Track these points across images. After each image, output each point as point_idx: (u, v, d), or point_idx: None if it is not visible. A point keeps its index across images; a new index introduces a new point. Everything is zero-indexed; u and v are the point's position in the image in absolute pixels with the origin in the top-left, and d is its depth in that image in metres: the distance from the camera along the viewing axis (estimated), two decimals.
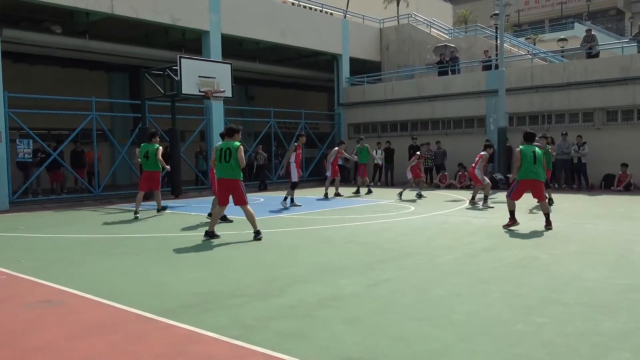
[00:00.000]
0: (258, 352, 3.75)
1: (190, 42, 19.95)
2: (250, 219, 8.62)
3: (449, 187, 18.78)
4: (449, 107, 20.94)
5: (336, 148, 16.31)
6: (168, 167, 13.01)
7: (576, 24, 48.30)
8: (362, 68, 25.93)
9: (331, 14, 25.30)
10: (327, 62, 24.68)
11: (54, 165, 16.63)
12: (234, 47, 21.07)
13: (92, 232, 9.76)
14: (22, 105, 15.80)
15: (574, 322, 4.26)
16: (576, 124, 18.03)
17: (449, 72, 21.69)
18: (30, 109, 15.23)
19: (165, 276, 6.16)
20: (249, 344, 3.89)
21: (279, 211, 12.51)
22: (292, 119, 23.53)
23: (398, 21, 27.15)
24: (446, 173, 19.61)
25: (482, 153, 13.27)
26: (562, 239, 8.10)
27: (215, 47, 18.79)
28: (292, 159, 13.54)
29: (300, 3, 23.78)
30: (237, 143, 8.52)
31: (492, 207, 12.34)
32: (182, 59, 15.05)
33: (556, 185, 17.57)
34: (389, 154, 21.03)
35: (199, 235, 9.19)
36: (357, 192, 17.02)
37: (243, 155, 8.45)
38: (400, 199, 14.83)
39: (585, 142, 16.80)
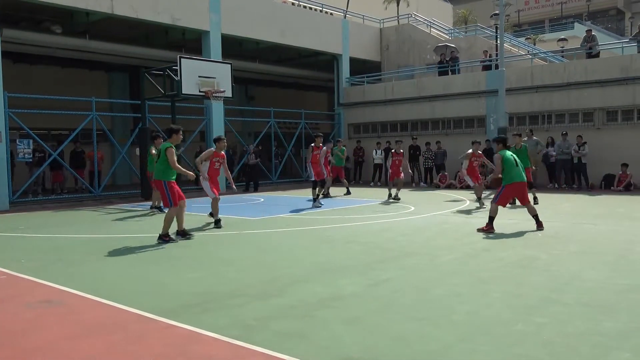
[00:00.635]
0: (258, 352, 3.75)
1: (190, 42, 19.95)
2: (166, 220, 8.39)
3: (449, 187, 18.78)
4: (449, 107, 20.94)
5: (324, 148, 16.25)
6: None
7: (576, 24, 48.30)
8: (362, 68, 25.93)
9: (331, 14, 25.30)
10: (327, 62, 24.68)
11: (55, 165, 16.64)
12: (234, 47, 21.08)
13: (92, 232, 9.76)
14: (22, 105, 15.80)
15: (574, 322, 4.25)
16: (576, 124, 18.03)
17: (449, 72, 21.68)
18: (30, 109, 15.24)
19: (165, 276, 6.16)
20: (249, 344, 3.89)
21: (312, 208, 12.67)
22: (292, 119, 23.53)
23: (398, 21, 27.15)
24: (446, 173, 19.61)
25: (468, 151, 13.23)
26: (562, 239, 8.09)
27: (215, 47, 18.79)
28: (309, 159, 13.72)
29: (300, 3, 23.78)
30: (168, 144, 8.42)
31: (484, 207, 12.08)
32: (182, 59, 15.05)
33: (556, 185, 17.59)
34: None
35: (199, 235, 9.20)
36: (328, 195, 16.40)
37: (172, 156, 8.29)
38: (395, 199, 14.57)
39: (585, 142, 16.80)
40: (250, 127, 26.58)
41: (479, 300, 4.94)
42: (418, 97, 21.78)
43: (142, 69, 17.00)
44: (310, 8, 24.64)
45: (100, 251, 7.84)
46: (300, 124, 22.92)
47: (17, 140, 15.22)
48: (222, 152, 10.30)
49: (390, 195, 14.76)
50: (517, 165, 9.10)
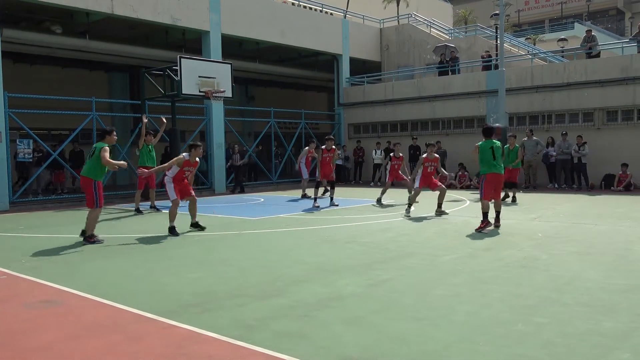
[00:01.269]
0: (258, 352, 3.75)
1: (190, 42, 19.95)
2: (89, 221, 8.49)
3: (449, 187, 18.76)
4: (449, 107, 20.94)
5: (306, 148, 16.25)
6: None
7: (576, 24, 48.33)
8: (362, 68, 25.93)
9: (331, 14, 25.30)
10: (327, 62, 24.68)
11: (56, 165, 16.65)
12: (234, 47, 21.08)
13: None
14: (22, 105, 15.80)
15: (574, 322, 4.25)
16: (576, 124, 18.03)
17: (449, 72, 21.69)
18: (30, 109, 15.23)
19: (165, 276, 6.16)
20: (249, 344, 3.89)
21: (330, 211, 12.52)
22: (292, 119, 23.53)
23: (398, 21, 27.16)
24: (446, 173, 19.58)
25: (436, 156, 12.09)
26: (562, 239, 8.09)
27: (215, 47, 18.79)
28: (319, 160, 13.74)
29: (300, 3, 23.78)
30: (103, 144, 8.47)
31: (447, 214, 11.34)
32: (182, 59, 15.04)
33: (556, 185, 17.59)
34: (389, 154, 21.01)
35: (199, 235, 9.20)
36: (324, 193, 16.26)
37: (104, 153, 8.28)
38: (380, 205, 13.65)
39: (585, 142, 16.80)
40: (250, 127, 26.59)
41: (479, 300, 4.94)
42: (418, 97, 21.78)
43: (142, 69, 16.99)
44: (310, 8, 24.65)
45: (100, 251, 7.84)
46: (300, 124, 22.92)
47: (17, 140, 15.22)
48: (197, 160, 9.59)
49: (380, 200, 13.74)
50: (494, 158, 9.13)
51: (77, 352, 3.86)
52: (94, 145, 8.66)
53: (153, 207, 12.91)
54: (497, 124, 14.84)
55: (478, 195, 13.76)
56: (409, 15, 26.88)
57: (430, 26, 26.28)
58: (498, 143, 9.44)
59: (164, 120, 13.51)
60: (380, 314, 4.57)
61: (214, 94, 15.55)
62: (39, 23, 17.43)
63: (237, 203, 15.09)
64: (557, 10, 61.81)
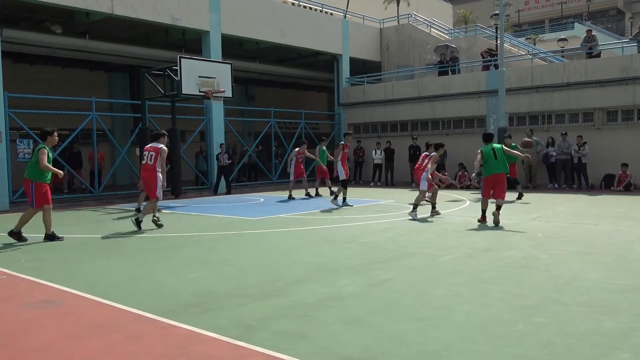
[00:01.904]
0: (258, 352, 3.75)
1: (190, 42, 19.95)
2: (23, 219, 8.61)
3: (449, 187, 18.77)
4: (449, 107, 20.94)
5: (297, 149, 16.25)
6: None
7: (576, 24, 48.32)
8: (362, 68, 25.93)
9: (331, 14, 25.31)
10: (327, 62, 24.68)
11: (57, 165, 16.64)
12: (234, 47, 21.08)
13: (92, 232, 9.75)
14: (22, 105, 15.80)
15: (574, 322, 4.25)
16: (576, 124, 18.02)
17: (449, 72, 21.69)
18: (30, 109, 15.23)
19: (165, 276, 6.16)
20: (249, 344, 3.89)
21: (330, 210, 12.46)
22: (292, 119, 23.53)
23: (398, 21, 27.16)
24: (446, 173, 19.59)
25: (432, 154, 11.62)
26: (562, 239, 8.09)
27: (215, 47, 18.80)
28: (339, 157, 13.26)
29: (300, 3, 23.78)
30: (42, 145, 8.53)
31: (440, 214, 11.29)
32: (182, 59, 15.04)
33: (556, 185, 17.59)
34: (389, 154, 21.05)
35: (199, 235, 9.20)
36: (317, 194, 16.36)
37: (43, 156, 8.36)
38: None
39: (585, 142, 16.80)
40: (250, 127, 26.59)
41: (479, 300, 4.94)
42: (418, 97, 21.78)
43: (142, 69, 16.99)
44: (311, 8, 24.65)
45: (100, 251, 7.84)
46: (300, 124, 22.92)
47: (17, 140, 15.21)
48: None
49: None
50: (496, 158, 9.81)
51: (77, 352, 3.86)
52: (36, 147, 8.70)
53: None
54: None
55: (478, 196, 14.23)
56: (409, 15, 26.87)
57: (430, 26, 26.28)
58: (498, 145, 10.17)
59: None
60: (380, 314, 4.57)
61: (214, 94, 15.55)
62: (39, 23, 17.43)
63: (237, 203, 15.10)
64: (557, 10, 61.82)
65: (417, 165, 11.82)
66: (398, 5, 30.56)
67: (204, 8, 18.50)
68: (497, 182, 9.83)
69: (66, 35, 17.65)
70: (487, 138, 10.28)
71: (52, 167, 8.50)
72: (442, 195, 15.96)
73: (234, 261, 6.97)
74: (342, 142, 13.61)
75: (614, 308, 4.61)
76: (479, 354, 3.65)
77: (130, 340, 4.06)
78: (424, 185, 11.14)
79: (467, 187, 18.21)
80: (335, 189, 14.50)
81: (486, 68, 20.85)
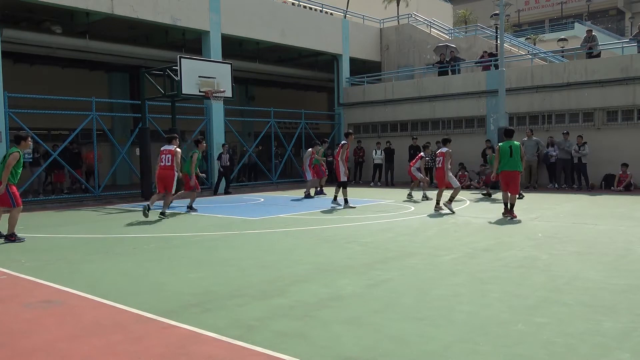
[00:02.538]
0: (258, 352, 3.75)
1: (190, 42, 19.95)
2: (10, 221, 8.71)
3: (449, 187, 18.76)
4: (449, 107, 20.94)
5: (310, 149, 16.30)
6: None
7: (576, 24, 48.33)
8: (362, 68, 25.93)
9: (331, 14, 25.31)
10: (327, 62, 24.69)
11: (57, 165, 16.65)
12: (234, 47, 21.08)
13: (92, 232, 9.76)
14: (22, 105, 15.81)
15: (574, 322, 4.25)
16: (576, 124, 18.03)
17: (449, 72, 21.68)
18: (30, 109, 15.24)
19: (165, 276, 6.16)
20: (249, 344, 3.89)
21: (330, 211, 12.46)
22: (292, 119, 23.53)
23: (398, 21, 27.16)
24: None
25: (444, 150, 12.05)
26: (562, 239, 8.09)
27: (215, 47, 18.80)
28: (342, 157, 13.27)
29: (300, 3, 23.78)
30: (13, 149, 8.66)
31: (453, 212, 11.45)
32: (182, 59, 15.05)
33: (556, 185, 17.59)
34: (389, 154, 21.04)
35: (199, 235, 9.21)
36: (318, 193, 16.60)
37: (12, 161, 8.49)
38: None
39: (585, 142, 16.79)
40: (250, 127, 26.59)
41: (479, 300, 4.94)
42: (418, 97, 21.78)
43: (142, 69, 17.00)
44: (311, 8, 24.65)
45: (100, 251, 7.84)
46: (301, 124, 22.92)
47: None
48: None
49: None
50: (511, 156, 10.41)
51: (77, 352, 3.86)
52: (9, 150, 8.81)
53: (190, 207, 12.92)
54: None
55: (478, 196, 14.56)
56: (409, 15, 26.88)
57: (430, 26, 26.29)
58: (517, 143, 10.63)
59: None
60: (380, 314, 4.57)
61: (214, 94, 15.55)
62: (39, 23, 17.42)
63: (238, 203, 15.10)
64: (557, 10, 61.82)
65: (411, 163, 12.32)
66: (398, 5, 30.57)
67: (204, 8, 18.50)
68: (511, 179, 10.44)
69: (66, 35, 17.65)
70: (508, 134, 10.81)
71: (6, 178, 8.50)
72: (443, 195, 15.95)
73: (234, 261, 6.97)
74: (345, 142, 13.57)
75: (614, 308, 4.61)
76: (479, 354, 3.65)
77: (131, 340, 4.06)
78: (454, 182, 11.87)
79: (467, 187, 18.20)
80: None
81: (486, 68, 20.85)
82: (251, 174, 22.89)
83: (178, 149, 11.67)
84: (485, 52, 21.79)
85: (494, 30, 23.41)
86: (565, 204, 12.93)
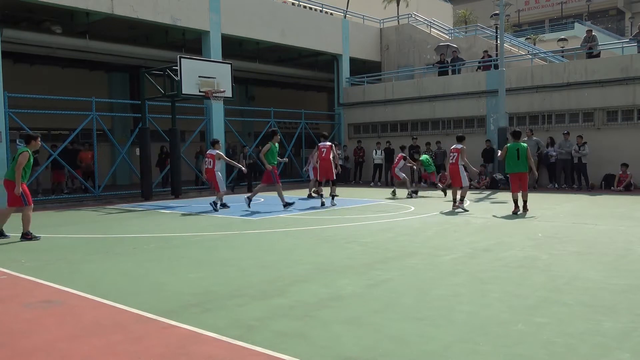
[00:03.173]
0: (258, 352, 3.75)
1: (190, 42, 19.95)
2: (24, 220, 8.89)
3: (450, 187, 18.76)
4: (449, 107, 20.94)
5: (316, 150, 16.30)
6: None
7: (576, 24, 48.33)
8: (362, 68, 25.93)
9: (331, 14, 25.31)
10: (327, 62, 24.69)
11: (57, 165, 16.66)
12: (234, 47, 21.08)
13: (92, 232, 9.76)
14: (22, 105, 15.81)
15: (574, 322, 4.25)
16: (576, 124, 18.03)
17: (449, 72, 21.69)
18: (30, 109, 15.24)
19: (165, 276, 6.16)
20: (249, 344, 3.89)
21: (331, 211, 12.47)
22: (292, 119, 23.54)
23: (398, 21, 27.16)
24: (446, 173, 19.58)
25: (459, 146, 12.16)
26: (562, 239, 8.09)
27: (215, 47, 18.80)
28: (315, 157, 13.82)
29: (300, 3, 23.79)
30: (23, 149, 8.78)
31: (467, 211, 11.78)
32: (182, 59, 15.05)
33: (556, 185, 17.59)
34: (389, 154, 21.04)
35: (199, 235, 9.21)
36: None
37: (23, 160, 8.62)
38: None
39: (585, 142, 16.79)
40: (250, 127, 26.59)
41: (479, 300, 4.94)
42: (418, 97, 21.78)
43: (142, 69, 17.00)
44: (311, 8, 24.65)
45: (100, 251, 7.84)
46: (300, 124, 22.92)
47: (17, 140, 15.20)
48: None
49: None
50: (518, 158, 11.04)
51: (77, 352, 3.86)
52: (19, 150, 8.93)
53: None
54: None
55: (479, 196, 14.69)
56: (409, 15, 26.88)
57: (430, 26, 26.29)
58: (524, 145, 11.18)
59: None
60: (380, 314, 4.57)
61: (214, 94, 15.55)
62: (39, 23, 17.42)
63: (238, 203, 15.08)
64: (557, 10, 61.83)
65: (394, 165, 13.81)
66: (398, 5, 30.57)
67: (204, 8, 18.50)
68: (520, 179, 11.23)
69: (66, 35, 17.65)
70: (516, 135, 11.36)
71: (19, 179, 8.65)
72: (442, 195, 15.97)
73: (234, 261, 6.97)
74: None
75: (614, 308, 4.61)
76: (479, 354, 3.65)
77: (131, 340, 4.06)
78: (465, 180, 12.04)
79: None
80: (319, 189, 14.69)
81: (486, 68, 20.85)
82: (251, 174, 22.86)
83: (219, 152, 13.20)
84: (486, 52, 21.80)
85: (494, 30, 23.41)
86: (565, 204, 12.93)
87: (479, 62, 21.53)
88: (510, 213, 11.13)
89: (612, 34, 47.00)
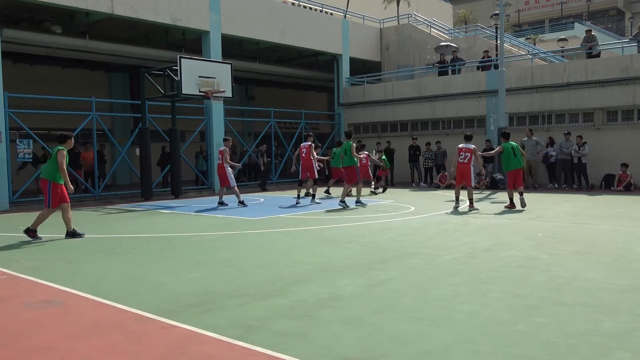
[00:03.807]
0: (258, 352, 3.75)
1: (190, 42, 19.95)
2: (40, 217, 8.97)
3: (449, 187, 18.77)
4: (449, 107, 20.94)
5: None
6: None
7: (576, 24, 48.34)
8: (362, 68, 25.93)
9: (331, 14, 25.31)
10: (327, 62, 24.68)
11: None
12: (234, 47, 21.08)
13: (92, 232, 9.76)
14: (22, 105, 15.81)
15: (574, 322, 4.25)
16: (576, 124, 18.02)
17: (449, 72, 21.68)
18: (30, 109, 15.24)
19: (165, 276, 6.16)
20: (249, 344, 3.89)
21: (330, 210, 12.50)
22: (292, 119, 23.54)
23: (398, 21, 27.16)
24: (446, 173, 19.60)
25: (471, 146, 12.10)
26: (562, 239, 8.09)
27: (215, 47, 18.79)
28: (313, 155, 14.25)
29: (300, 3, 23.78)
30: (60, 147, 8.82)
31: (478, 209, 11.91)
32: (182, 59, 15.05)
33: (556, 185, 17.59)
34: (389, 154, 21.03)
35: (199, 235, 9.21)
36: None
37: (62, 158, 8.67)
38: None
39: (585, 142, 16.78)
40: (250, 127, 26.59)
41: (479, 300, 4.94)
42: (418, 97, 21.78)
43: (142, 69, 17.00)
44: (311, 8, 24.65)
45: (100, 251, 7.84)
46: (301, 124, 22.92)
47: (17, 140, 15.22)
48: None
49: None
50: (515, 156, 11.84)
51: (77, 352, 3.86)
52: (54, 149, 8.99)
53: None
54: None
55: (479, 196, 14.85)
56: (409, 15, 26.88)
57: (430, 26, 26.29)
58: (514, 143, 12.17)
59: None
60: (380, 314, 4.57)
61: (214, 94, 15.55)
62: (39, 23, 17.42)
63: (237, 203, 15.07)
64: (557, 10, 61.83)
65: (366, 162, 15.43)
66: (398, 5, 30.57)
67: (204, 8, 18.50)
68: (517, 175, 11.91)
69: (66, 35, 17.65)
70: (506, 136, 12.22)
71: (66, 177, 8.80)
72: (443, 195, 15.99)
73: (234, 261, 6.97)
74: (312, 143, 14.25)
75: (614, 308, 4.61)
76: (479, 354, 3.65)
77: (131, 340, 4.06)
78: (473, 181, 12.50)
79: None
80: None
81: (486, 68, 20.84)
82: (251, 174, 22.88)
83: (225, 148, 13.68)
84: (486, 52, 21.80)
85: (494, 30, 23.41)
86: (565, 204, 12.93)
87: (479, 62, 21.53)
88: (504, 208, 11.96)
89: (612, 34, 47.01)
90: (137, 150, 16.98)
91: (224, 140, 14.25)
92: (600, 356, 3.59)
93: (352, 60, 24.64)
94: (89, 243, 8.61)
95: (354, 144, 13.42)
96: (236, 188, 13.75)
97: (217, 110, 18.94)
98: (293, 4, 23.62)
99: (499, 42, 19.31)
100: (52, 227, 10.70)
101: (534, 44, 36.93)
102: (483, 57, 21.51)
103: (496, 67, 19.70)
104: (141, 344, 3.98)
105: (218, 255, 7.48)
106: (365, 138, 23.31)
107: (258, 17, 20.35)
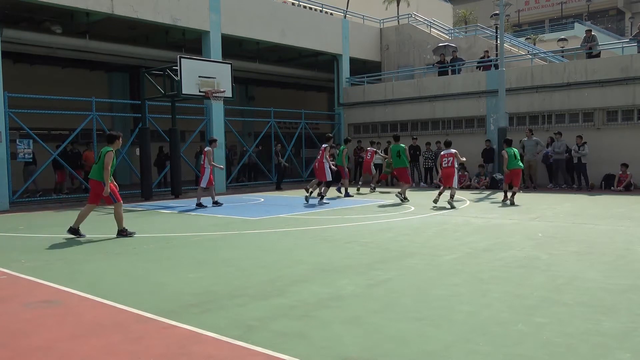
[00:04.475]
0: (258, 352, 3.75)
1: (190, 42, 19.95)
2: (117, 218, 9.13)
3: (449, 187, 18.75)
4: (449, 107, 20.94)
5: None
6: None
7: (576, 24, 48.35)
8: (362, 68, 25.93)
9: (331, 14, 25.31)
10: (327, 62, 24.69)
11: (57, 165, 16.67)
12: (234, 47, 21.08)
13: (92, 232, 9.75)
14: (22, 105, 15.81)
15: (574, 322, 4.25)
16: (576, 124, 18.02)
17: (449, 72, 21.68)
18: (30, 109, 15.24)
19: (165, 276, 6.16)
20: (249, 344, 3.89)
21: (330, 210, 12.54)
22: (292, 119, 23.54)
23: (398, 21, 27.16)
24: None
25: (452, 151, 13.30)
26: (562, 239, 8.09)
27: (215, 47, 18.80)
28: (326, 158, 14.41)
29: (300, 3, 23.78)
30: (108, 148, 8.88)
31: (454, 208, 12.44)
32: (182, 59, 15.05)
33: (555, 185, 17.59)
34: (411, 150, 20.97)
35: (199, 235, 9.21)
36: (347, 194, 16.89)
37: (109, 160, 8.77)
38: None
39: (585, 142, 16.78)
40: (250, 127, 26.59)
41: (479, 300, 4.94)
42: (418, 97, 21.78)
43: (142, 69, 17.00)
44: (311, 8, 24.65)
45: (100, 251, 7.84)
46: (300, 124, 22.92)
47: (17, 140, 15.22)
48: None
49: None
50: (515, 158, 13.25)
51: (77, 352, 3.86)
52: (101, 150, 9.07)
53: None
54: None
55: (479, 196, 15.09)
56: (409, 15, 26.88)
57: (430, 26, 26.29)
58: (515, 149, 13.46)
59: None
60: (380, 314, 4.57)
61: (214, 94, 15.55)
62: (39, 23, 17.42)
63: (238, 203, 15.09)
64: (557, 10, 61.83)
65: (369, 160, 17.75)
66: (398, 5, 30.57)
67: (204, 8, 18.50)
68: (515, 174, 13.25)
69: (66, 35, 17.65)
70: (508, 142, 13.61)
71: (107, 178, 8.82)
72: (442, 195, 15.96)
73: (234, 261, 6.97)
74: (326, 145, 14.35)
75: (614, 308, 4.61)
76: (479, 354, 3.65)
77: (131, 340, 4.06)
78: (456, 183, 13.52)
79: (467, 187, 18.21)
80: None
81: (486, 68, 20.84)
82: (251, 174, 22.89)
83: (209, 149, 13.76)
84: (486, 52, 21.80)
85: (494, 30, 23.41)
86: (565, 204, 12.93)
87: (479, 62, 21.52)
88: (500, 201, 13.29)
89: (612, 34, 47.03)
90: (137, 150, 16.98)
91: (211, 141, 14.15)
92: (600, 356, 3.59)
93: (352, 60, 24.65)
94: (89, 243, 8.60)
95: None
96: (201, 190, 13.76)
97: (217, 110, 18.94)
98: (293, 4, 23.62)
99: (499, 42, 19.31)
100: (52, 227, 10.71)
101: (534, 44, 36.93)
102: (483, 57, 21.51)
103: (496, 67, 19.70)
104: (141, 344, 3.98)
105: (218, 255, 7.48)
106: (365, 138, 23.33)
107: (258, 17, 20.36)
